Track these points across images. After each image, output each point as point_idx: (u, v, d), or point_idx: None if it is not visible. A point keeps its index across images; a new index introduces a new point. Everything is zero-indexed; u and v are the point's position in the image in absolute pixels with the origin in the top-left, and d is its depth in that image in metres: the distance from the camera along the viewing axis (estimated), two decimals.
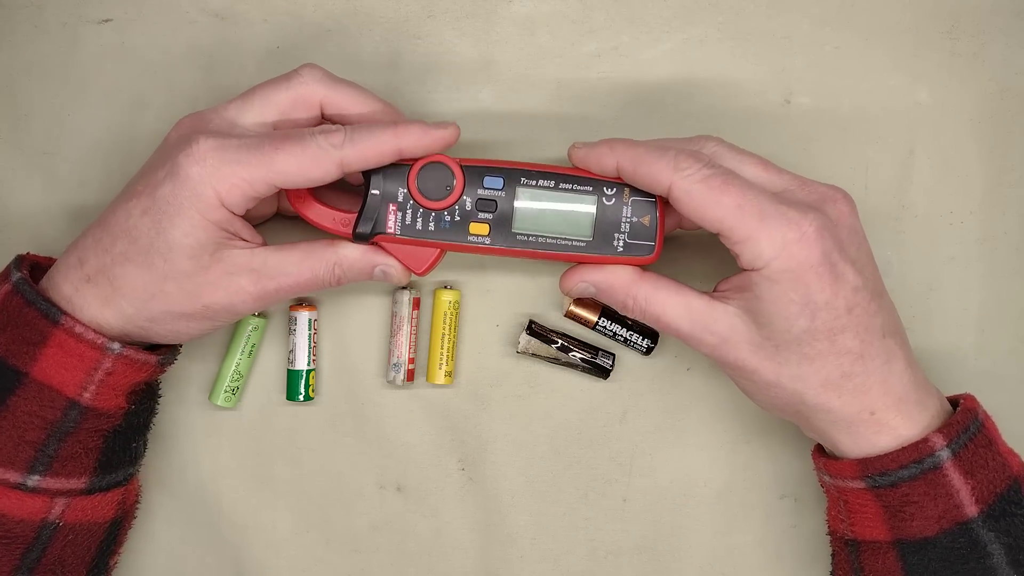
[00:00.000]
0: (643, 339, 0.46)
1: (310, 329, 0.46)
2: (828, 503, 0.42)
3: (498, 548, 0.47)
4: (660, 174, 0.39)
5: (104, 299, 0.39)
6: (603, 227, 0.42)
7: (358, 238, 0.42)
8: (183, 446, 0.47)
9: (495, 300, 0.47)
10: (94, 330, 0.39)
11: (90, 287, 0.39)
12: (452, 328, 0.46)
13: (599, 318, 0.46)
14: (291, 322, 0.46)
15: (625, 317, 0.46)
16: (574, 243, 0.42)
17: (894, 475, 0.38)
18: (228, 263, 0.39)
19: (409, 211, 0.42)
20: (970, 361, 0.47)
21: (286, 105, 0.41)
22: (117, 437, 0.41)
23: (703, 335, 0.40)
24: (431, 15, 0.48)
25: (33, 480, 0.39)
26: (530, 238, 0.42)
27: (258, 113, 0.40)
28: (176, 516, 0.47)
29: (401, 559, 0.47)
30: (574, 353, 0.46)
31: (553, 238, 0.42)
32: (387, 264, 0.42)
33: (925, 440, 0.38)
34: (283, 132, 0.40)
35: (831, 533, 0.43)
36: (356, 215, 0.42)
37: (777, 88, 0.48)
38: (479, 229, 0.42)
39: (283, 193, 0.43)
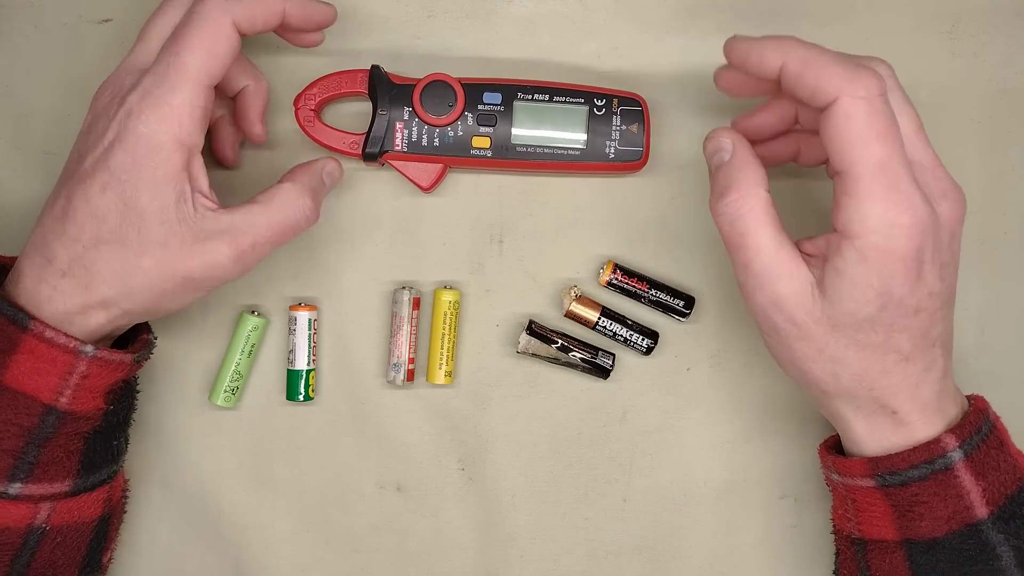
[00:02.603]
0: (643, 339, 0.46)
1: (310, 329, 0.46)
2: (834, 501, 0.42)
3: (498, 548, 0.47)
4: (832, 81, 0.34)
5: (84, 287, 0.38)
6: (595, 136, 0.45)
7: (367, 157, 0.45)
8: (183, 446, 0.47)
9: (495, 300, 0.47)
10: (65, 334, 0.38)
11: (67, 280, 0.38)
12: (452, 328, 0.46)
13: (599, 318, 0.46)
14: (291, 322, 0.46)
15: (625, 317, 0.46)
16: (569, 152, 0.45)
17: (905, 475, 0.38)
18: (197, 228, 0.38)
19: (415, 128, 0.44)
20: (970, 361, 0.47)
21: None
22: (98, 437, 0.40)
23: (768, 281, 0.36)
24: (431, 15, 0.48)
25: (15, 488, 0.38)
26: (528, 149, 0.45)
27: (159, 45, 0.40)
28: (176, 516, 0.47)
29: (401, 559, 0.47)
30: (574, 353, 0.46)
31: (549, 149, 0.45)
32: (329, 169, 0.43)
33: (937, 440, 0.37)
34: (175, 33, 0.39)
35: (836, 532, 0.42)
36: (365, 136, 0.45)
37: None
38: (481, 143, 0.45)
39: (208, 143, 0.45)
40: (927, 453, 0.37)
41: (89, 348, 0.38)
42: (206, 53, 0.38)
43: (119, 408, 0.41)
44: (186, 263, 0.38)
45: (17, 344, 0.37)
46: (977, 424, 0.38)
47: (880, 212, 0.34)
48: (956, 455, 0.37)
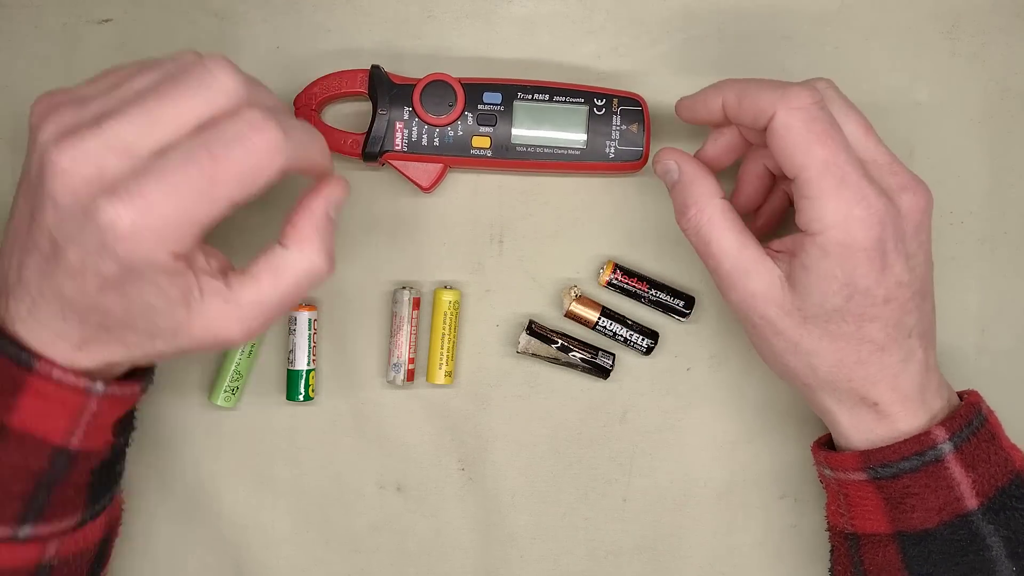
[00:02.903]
0: (643, 339, 0.46)
1: (310, 329, 0.46)
2: (827, 498, 0.43)
3: (498, 548, 0.47)
4: (766, 101, 0.37)
5: (88, 326, 0.35)
6: (595, 136, 0.45)
7: (367, 157, 0.45)
8: (183, 446, 0.47)
9: (495, 300, 0.47)
10: (74, 372, 0.35)
11: (69, 323, 0.35)
12: (452, 328, 0.46)
13: (599, 318, 0.46)
14: (291, 322, 0.46)
15: (625, 317, 0.46)
16: (569, 152, 0.45)
17: (895, 467, 0.38)
18: (206, 313, 0.35)
19: (415, 128, 0.44)
20: (970, 361, 0.47)
21: (197, 118, 0.33)
22: (103, 467, 0.39)
23: (739, 280, 0.39)
24: (431, 15, 0.48)
25: (25, 531, 0.36)
26: (528, 149, 0.45)
27: (165, 134, 0.33)
28: (176, 516, 0.47)
29: (401, 559, 0.47)
30: (574, 353, 0.46)
31: (549, 149, 0.45)
32: (335, 199, 0.38)
33: (928, 433, 0.38)
34: (205, 144, 0.33)
35: (830, 528, 0.43)
36: (364, 136, 0.45)
37: None
38: (481, 142, 0.44)
39: None
40: (917, 445, 0.38)
41: (99, 386, 0.36)
42: (241, 191, 0.33)
43: (124, 435, 0.40)
44: (197, 340, 0.36)
45: (22, 385, 0.35)
46: (968, 417, 0.39)
47: (834, 207, 0.36)
48: (946, 447, 0.38)
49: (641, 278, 0.46)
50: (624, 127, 0.45)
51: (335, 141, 0.45)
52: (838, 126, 0.37)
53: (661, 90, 0.47)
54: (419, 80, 0.45)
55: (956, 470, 0.38)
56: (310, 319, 0.46)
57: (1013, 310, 0.48)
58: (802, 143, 0.37)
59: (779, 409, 0.48)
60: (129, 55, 0.48)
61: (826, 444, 0.43)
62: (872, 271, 0.37)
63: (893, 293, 0.37)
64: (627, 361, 0.47)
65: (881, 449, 0.39)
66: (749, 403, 0.48)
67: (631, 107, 0.45)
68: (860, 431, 0.40)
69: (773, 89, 0.38)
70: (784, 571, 0.48)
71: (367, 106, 0.46)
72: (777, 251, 0.39)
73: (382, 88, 0.45)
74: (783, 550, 0.48)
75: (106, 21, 0.48)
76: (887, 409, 0.39)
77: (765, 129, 0.38)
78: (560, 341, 0.46)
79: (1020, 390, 0.47)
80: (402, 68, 0.47)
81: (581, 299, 0.46)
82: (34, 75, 0.48)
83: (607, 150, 0.45)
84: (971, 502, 0.38)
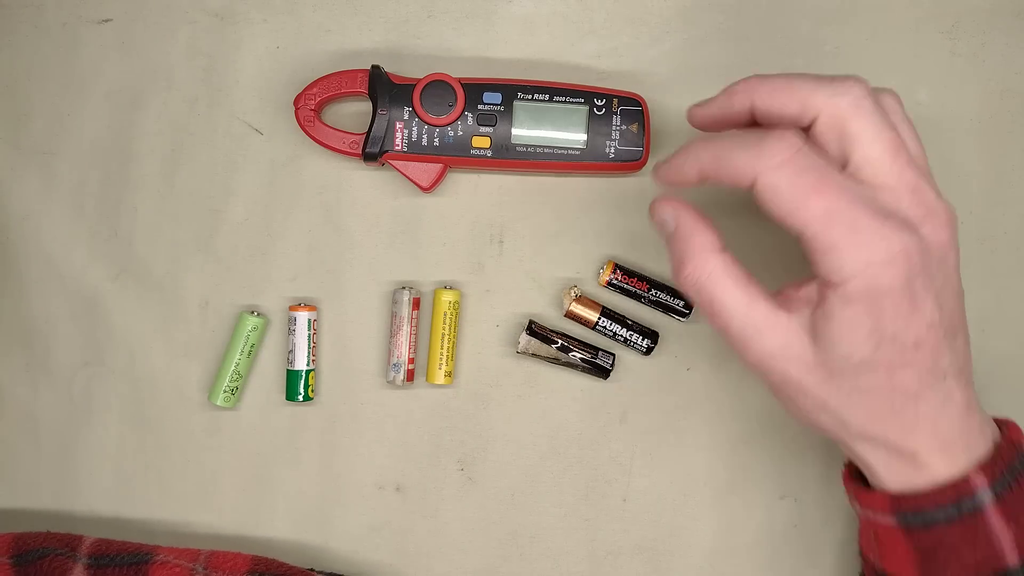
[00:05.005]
0: (643, 339, 0.46)
1: (309, 329, 0.46)
2: (860, 526, 0.40)
3: (498, 548, 0.47)
4: (744, 166, 0.34)
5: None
6: (595, 136, 0.45)
7: (367, 157, 0.45)
8: (183, 446, 0.47)
9: (495, 300, 0.47)
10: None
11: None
12: (452, 328, 0.46)
13: (599, 318, 0.46)
14: (290, 322, 0.46)
15: (625, 317, 0.46)
16: (569, 152, 0.45)
17: (929, 515, 0.35)
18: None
19: (415, 128, 0.44)
20: None
21: None
22: None
23: (752, 341, 0.35)
24: (431, 15, 0.48)
25: None
26: (528, 149, 0.45)
27: None
28: (176, 516, 0.47)
29: (401, 559, 0.47)
30: (574, 353, 0.46)
31: (549, 149, 0.45)
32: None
33: (966, 480, 0.34)
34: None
35: (862, 556, 0.40)
36: (365, 136, 0.45)
37: None
38: (481, 142, 0.44)
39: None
40: (954, 494, 0.34)
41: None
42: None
43: None
44: None
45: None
46: (1009, 460, 0.35)
47: (852, 257, 0.33)
48: (985, 495, 0.34)
49: (641, 278, 0.46)
50: (624, 127, 0.45)
51: (335, 141, 0.45)
52: (831, 165, 0.34)
53: (661, 90, 0.47)
54: (419, 80, 0.45)
55: (996, 522, 0.34)
56: (309, 319, 0.46)
57: (1013, 310, 0.48)
58: (796, 200, 0.33)
59: (779, 409, 0.48)
60: (129, 55, 0.48)
61: (857, 471, 0.39)
62: (900, 315, 0.33)
63: (923, 335, 0.33)
64: (627, 361, 0.47)
65: (915, 495, 0.35)
66: (749, 403, 0.48)
67: (631, 107, 0.45)
68: (897, 481, 0.36)
69: (747, 149, 0.34)
70: (784, 571, 0.48)
71: (367, 106, 0.46)
72: (791, 297, 0.36)
73: (382, 88, 0.45)
74: (783, 550, 0.47)
75: (106, 21, 0.48)
76: (926, 458, 0.35)
77: (751, 190, 0.34)
78: (560, 341, 0.46)
79: (1020, 391, 0.47)
80: (402, 68, 0.47)
81: (581, 299, 0.46)
82: (34, 75, 0.48)
83: (607, 150, 0.45)
84: (1012, 558, 0.34)
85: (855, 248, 0.32)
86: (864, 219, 0.32)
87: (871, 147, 0.34)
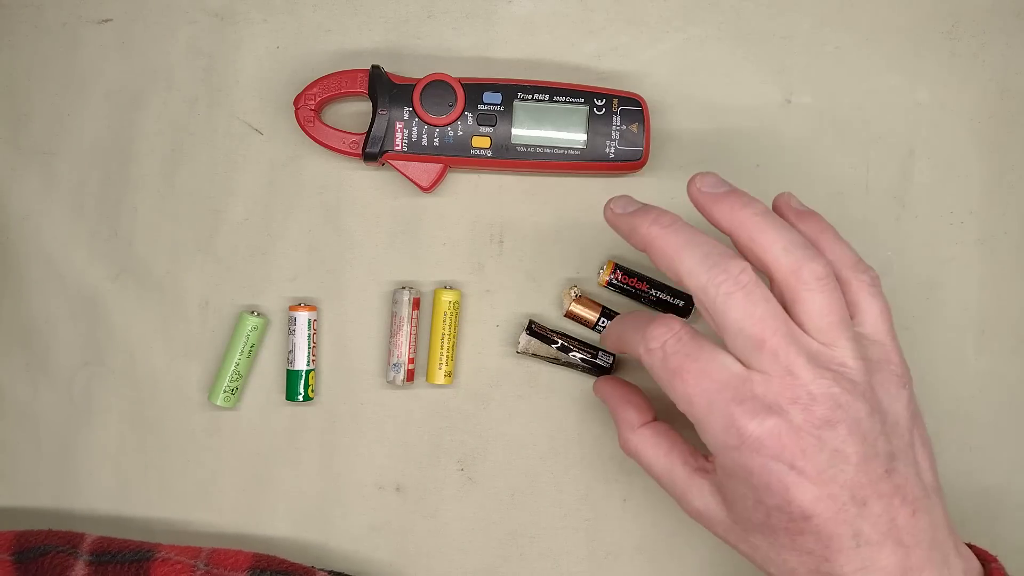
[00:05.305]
0: None
1: (309, 329, 0.46)
2: None
3: (498, 548, 0.47)
4: (633, 347, 0.38)
5: None
6: (595, 136, 0.45)
7: (367, 157, 0.45)
8: (183, 446, 0.47)
9: (495, 300, 0.47)
10: None
11: None
12: (452, 328, 0.46)
13: (599, 318, 0.46)
14: (290, 322, 0.46)
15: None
16: (569, 152, 0.45)
17: None
18: None
19: (415, 128, 0.44)
20: (970, 361, 0.47)
21: None
22: None
23: (680, 500, 0.39)
24: (431, 15, 0.48)
25: None
26: (528, 149, 0.45)
27: None
28: (176, 516, 0.47)
29: (401, 559, 0.47)
30: (574, 353, 0.46)
31: (549, 149, 0.45)
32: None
33: None
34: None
35: None
36: (364, 136, 0.45)
37: (777, 88, 0.48)
38: (481, 142, 0.44)
39: None
40: None
41: None
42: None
43: None
44: None
45: None
46: None
47: (710, 439, 0.35)
48: None
49: (641, 278, 0.46)
50: (624, 127, 0.45)
51: (335, 141, 0.45)
52: (701, 350, 0.35)
53: (661, 90, 0.47)
54: (419, 80, 0.45)
55: None
56: (309, 319, 0.46)
57: (1013, 310, 0.48)
58: (663, 381, 0.36)
59: None
60: (129, 55, 0.48)
61: None
62: (775, 492, 0.33)
63: (812, 509, 0.33)
64: (627, 361, 0.47)
65: None
66: None
67: (631, 107, 0.45)
68: None
69: (636, 331, 0.37)
70: None
71: (367, 106, 0.46)
72: (710, 463, 0.38)
73: (382, 88, 0.45)
74: None
75: (106, 21, 0.48)
76: None
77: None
78: (560, 341, 0.46)
79: (1020, 391, 0.47)
80: (402, 68, 0.47)
81: (581, 299, 0.46)
82: (34, 75, 0.48)
83: (607, 150, 0.45)
84: None
85: (711, 430, 0.34)
86: (719, 404, 0.34)
87: (734, 341, 0.35)
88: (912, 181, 0.47)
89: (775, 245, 0.35)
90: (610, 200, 0.39)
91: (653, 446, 0.40)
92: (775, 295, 0.35)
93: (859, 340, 0.36)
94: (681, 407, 0.36)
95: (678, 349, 0.35)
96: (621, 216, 0.38)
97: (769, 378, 0.34)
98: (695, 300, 0.36)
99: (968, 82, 0.48)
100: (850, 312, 0.37)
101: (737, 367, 0.35)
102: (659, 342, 0.36)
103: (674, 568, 0.47)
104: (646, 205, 0.38)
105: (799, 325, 0.35)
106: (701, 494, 0.38)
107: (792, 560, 0.35)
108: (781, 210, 0.39)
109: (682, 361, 0.35)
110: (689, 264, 0.35)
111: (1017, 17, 0.48)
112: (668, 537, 0.47)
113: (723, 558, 0.47)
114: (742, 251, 0.37)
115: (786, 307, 0.35)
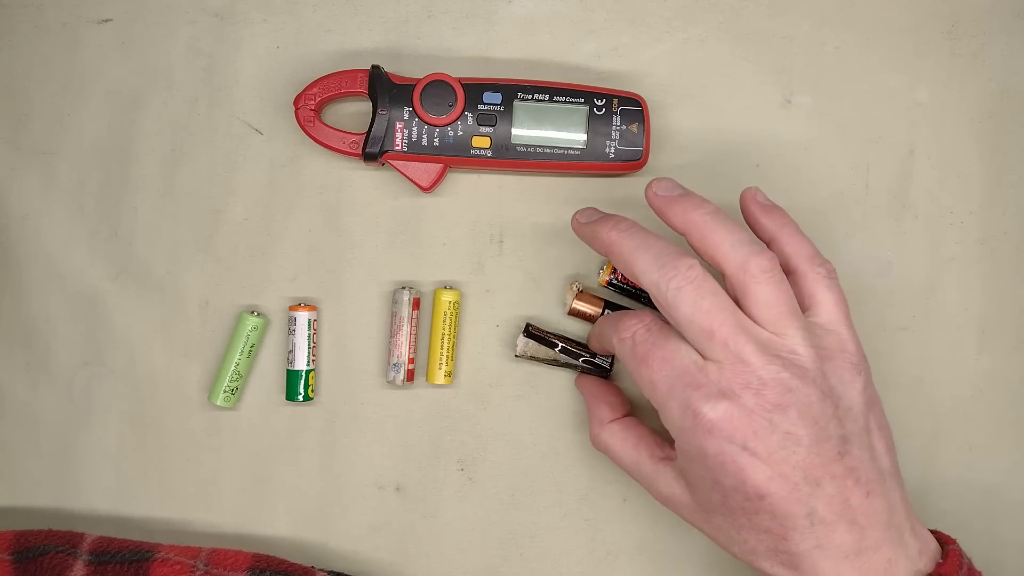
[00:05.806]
0: None
1: (309, 329, 0.46)
2: None
3: (498, 548, 0.47)
4: (607, 340, 0.40)
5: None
6: (595, 136, 0.45)
7: (367, 157, 0.45)
8: (183, 446, 0.47)
9: (495, 300, 0.47)
10: None
11: None
12: (452, 328, 0.46)
13: (603, 311, 0.46)
14: (290, 322, 0.46)
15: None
16: (569, 152, 0.45)
17: None
18: None
19: (415, 128, 0.44)
20: (970, 361, 0.47)
21: None
22: None
23: (651, 491, 0.41)
24: (431, 15, 0.48)
25: None
26: (528, 149, 0.45)
27: None
28: (176, 516, 0.47)
29: (401, 559, 0.47)
30: (573, 351, 0.46)
31: (549, 149, 0.45)
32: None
33: None
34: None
35: None
36: (364, 136, 0.45)
37: (777, 88, 0.48)
38: (481, 142, 0.44)
39: None
40: None
41: None
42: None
43: None
44: None
45: None
46: None
47: (670, 423, 0.37)
48: None
49: None
50: (624, 127, 0.45)
51: (335, 141, 0.45)
52: (667, 340, 0.37)
53: (661, 90, 0.47)
54: (419, 80, 0.45)
55: None
56: (309, 319, 0.46)
57: (1013, 310, 0.48)
58: (632, 369, 0.38)
59: None
60: (129, 55, 0.48)
61: None
62: (729, 473, 0.35)
63: (765, 488, 0.35)
64: None
65: None
66: None
67: (631, 107, 0.45)
68: None
69: (611, 324, 0.40)
70: None
71: (367, 106, 0.46)
72: (670, 455, 0.40)
73: (382, 88, 0.45)
74: None
75: (106, 21, 0.48)
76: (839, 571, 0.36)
77: None
78: (559, 343, 0.46)
79: (1020, 391, 0.47)
80: (402, 68, 0.47)
81: (583, 295, 0.46)
82: (34, 75, 0.48)
83: (607, 150, 0.45)
84: None
85: (670, 414, 0.37)
86: (677, 388, 0.36)
87: (687, 333, 0.37)
88: (912, 181, 0.47)
89: (724, 242, 0.37)
90: (576, 212, 0.42)
91: (621, 440, 0.42)
92: (728, 290, 0.37)
93: (811, 329, 0.37)
94: (646, 393, 0.38)
95: (646, 338, 0.38)
96: (585, 225, 0.41)
97: (722, 365, 0.36)
98: (651, 297, 0.38)
99: (968, 82, 0.48)
100: (807, 303, 0.38)
101: (695, 356, 0.37)
102: (630, 332, 0.38)
103: (674, 568, 0.47)
104: (608, 214, 0.40)
105: (750, 316, 0.37)
106: (666, 480, 0.39)
107: (752, 539, 0.36)
108: (747, 203, 0.41)
109: (648, 349, 0.38)
110: (642, 264, 0.37)
111: (1017, 17, 0.48)
112: (668, 537, 0.47)
113: (723, 558, 0.47)
114: (696, 250, 0.38)
115: (738, 301, 0.37)
